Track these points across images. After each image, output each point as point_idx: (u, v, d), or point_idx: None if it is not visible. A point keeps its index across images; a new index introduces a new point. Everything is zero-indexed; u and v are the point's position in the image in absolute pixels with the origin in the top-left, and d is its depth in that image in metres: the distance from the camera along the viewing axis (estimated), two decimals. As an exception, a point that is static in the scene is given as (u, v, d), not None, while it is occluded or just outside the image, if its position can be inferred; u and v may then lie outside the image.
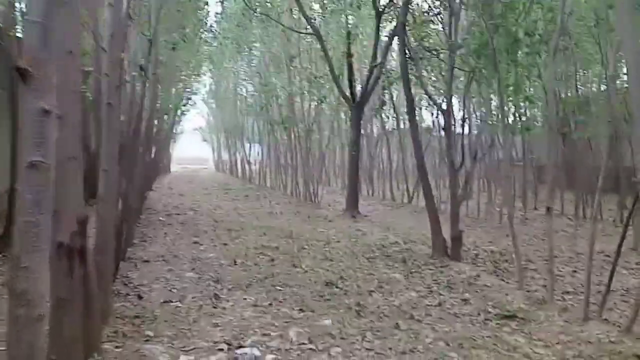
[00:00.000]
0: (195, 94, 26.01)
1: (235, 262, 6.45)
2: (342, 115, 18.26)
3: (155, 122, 11.77)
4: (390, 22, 12.05)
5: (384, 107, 13.81)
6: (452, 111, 6.47)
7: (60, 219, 2.87)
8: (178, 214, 11.38)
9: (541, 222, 10.79)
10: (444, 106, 6.36)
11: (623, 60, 11.73)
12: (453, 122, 6.91)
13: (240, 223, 10.02)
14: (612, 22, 9.56)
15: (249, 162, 25.54)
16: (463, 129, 6.81)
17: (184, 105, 23.24)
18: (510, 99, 6.87)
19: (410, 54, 6.68)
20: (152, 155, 14.96)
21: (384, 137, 17.43)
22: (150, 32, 6.42)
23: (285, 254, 7.03)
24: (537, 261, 7.08)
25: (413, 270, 6.22)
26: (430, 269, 6.25)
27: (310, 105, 14.89)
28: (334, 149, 21.03)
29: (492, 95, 8.86)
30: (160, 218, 10.59)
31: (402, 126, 16.37)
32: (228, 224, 9.99)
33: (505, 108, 6.51)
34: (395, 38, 11.91)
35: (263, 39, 16.84)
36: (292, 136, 16.01)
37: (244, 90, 23.78)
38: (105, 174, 4.57)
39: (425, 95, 11.20)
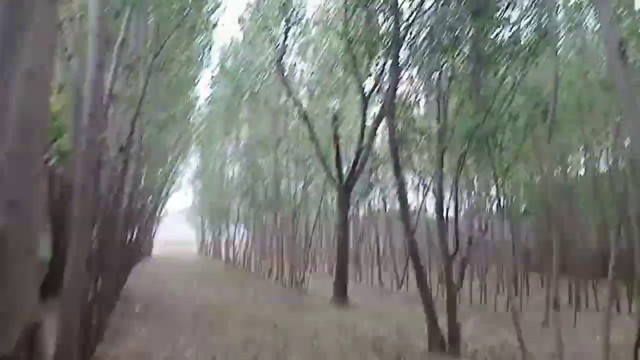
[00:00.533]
0: (181, 176, 26.06)
1: (214, 358, 5.84)
2: (329, 198, 18.11)
3: (138, 204, 11.41)
4: (376, 105, 12.24)
5: (372, 189, 13.67)
6: (443, 195, 6.26)
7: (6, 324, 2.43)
8: (156, 304, 10.68)
9: (537, 311, 10.31)
10: (434, 188, 6.14)
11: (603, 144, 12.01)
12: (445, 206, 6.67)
13: (222, 314, 9.37)
14: (594, 108, 9.80)
15: (233, 245, 24.93)
16: (456, 213, 6.55)
17: (169, 188, 23.08)
18: (500, 181, 6.71)
19: (399, 135, 6.57)
20: (133, 238, 14.43)
21: (370, 220, 17.17)
22: (136, 111, 6.26)
23: (270, 350, 6.43)
24: (537, 355, 6.55)
25: (410, 369, 5.67)
26: (429, 367, 5.71)
27: (296, 187, 14.72)
28: (320, 231, 20.64)
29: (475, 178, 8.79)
30: (136, 310, 9.89)
31: (388, 208, 16.24)
32: (209, 314, 9.33)
33: (496, 192, 6.32)
34: (382, 120, 12.08)
35: (251, 121, 17.04)
36: (278, 218, 15.69)
37: (230, 171, 23.77)
38: (74, 263, 4.17)
39: (414, 177, 11.14)
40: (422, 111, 9.23)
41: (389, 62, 7.32)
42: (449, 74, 6.30)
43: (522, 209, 10.28)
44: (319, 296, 12.64)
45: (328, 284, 15.07)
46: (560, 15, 7.39)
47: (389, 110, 6.51)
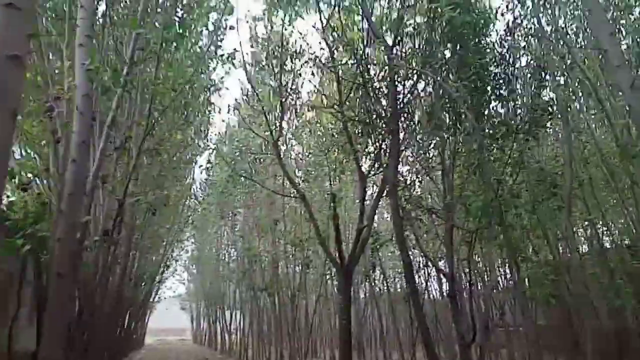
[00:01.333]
0: (176, 260, 25.40)
1: None
2: (329, 281, 17.49)
3: (128, 291, 10.85)
4: (373, 185, 12.06)
5: (374, 270, 13.14)
6: (455, 276, 5.85)
7: None
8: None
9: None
10: (446, 269, 5.74)
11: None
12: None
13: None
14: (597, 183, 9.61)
15: (229, 332, 23.78)
16: (471, 295, 6.09)
17: (162, 274, 22.39)
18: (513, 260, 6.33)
19: (403, 214, 6.28)
20: (122, 328, 13.65)
21: (372, 302, 16.42)
22: (123, 192, 5.98)
23: None
24: None
25: None
26: None
27: (295, 269, 14.19)
28: (320, 316, 19.75)
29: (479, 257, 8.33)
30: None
31: (391, 290, 15.59)
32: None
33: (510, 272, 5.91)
34: (381, 200, 11.84)
35: (247, 204, 16.80)
36: (277, 303, 14.98)
37: (226, 255, 23.22)
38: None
39: (420, 257, 10.70)
40: (425, 188, 8.98)
41: (388, 141, 7.22)
42: (451, 149, 6.15)
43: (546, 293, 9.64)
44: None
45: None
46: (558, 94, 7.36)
47: (391, 189, 6.27)
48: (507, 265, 7.45)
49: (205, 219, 22.95)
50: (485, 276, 10.84)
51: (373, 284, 15.81)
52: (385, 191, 10.64)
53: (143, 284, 15.71)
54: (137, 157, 5.78)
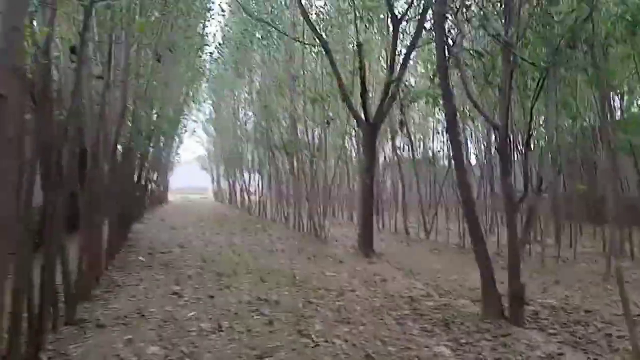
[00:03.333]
0: (195, 121, 24.85)
1: (220, 327, 4.78)
2: (349, 141, 16.82)
3: (139, 145, 10.26)
4: (403, 33, 10.62)
5: (403, 128, 12.26)
6: (508, 128, 4.88)
7: None
8: (163, 253, 9.75)
9: (585, 264, 9.12)
10: (497, 119, 4.79)
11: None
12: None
13: (234, 265, 8.36)
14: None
15: (248, 192, 24.02)
16: (526, 151, 5.19)
17: (179, 131, 21.92)
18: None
19: (450, 54, 5.17)
20: (141, 183, 13.44)
21: (395, 165, 15.84)
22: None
23: (288, 312, 5.36)
24: (616, 322, 5.37)
25: (463, 341, 4.53)
26: (488, 339, 4.55)
27: (315, 129, 13.40)
28: (339, 178, 19.46)
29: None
30: (141, 258, 8.95)
31: (416, 154, 14.91)
32: (219, 265, 8.34)
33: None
34: (415, 51, 10.53)
35: (265, 61, 15.55)
36: (295, 163, 14.50)
37: (243, 116, 22.50)
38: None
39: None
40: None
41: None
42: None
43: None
44: (341, 246, 11.59)
45: (349, 232, 14.06)
46: None
47: (438, 18, 5.07)
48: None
49: (221, 80, 21.90)
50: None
51: (399, 144, 15.06)
52: (421, 32, 9.31)
53: (161, 139, 15.19)
54: None
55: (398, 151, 14.92)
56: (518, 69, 4.84)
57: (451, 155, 5.23)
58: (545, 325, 5.12)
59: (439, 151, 14.50)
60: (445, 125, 11.84)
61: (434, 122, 15.72)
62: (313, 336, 4.51)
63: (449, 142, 12.86)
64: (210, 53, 17.14)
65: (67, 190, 4.76)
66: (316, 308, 5.64)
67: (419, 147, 16.36)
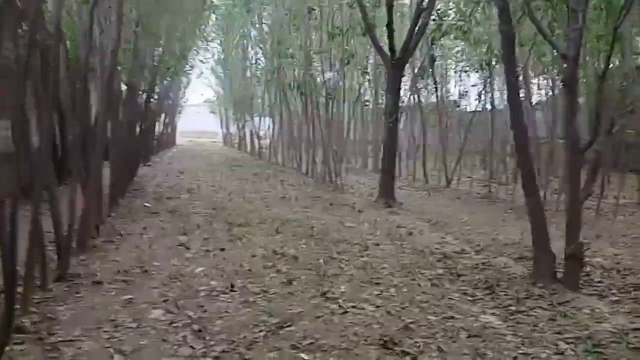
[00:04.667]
0: (202, 61, 23.69)
1: (232, 286, 4.19)
2: (366, 83, 15.85)
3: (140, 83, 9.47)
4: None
5: (434, 64, 11.23)
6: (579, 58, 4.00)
7: None
8: (170, 198, 9.16)
9: (622, 216, 8.43)
10: (567, 49, 3.92)
11: None
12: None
13: (246, 213, 7.75)
14: None
15: (258, 136, 23.23)
16: (601, 84, 4.32)
17: (185, 68, 20.89)
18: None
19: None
20: (146, 124, 12.72)
21: (414, 107, 14.90)
22: None
23: (308, 270, 4.76)
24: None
25: (513, 308, 3.92)
26: (542, 307, 3.91)
27: (331, 67, 12.41)
28: (355, 121, 18.60)
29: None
30: (146, 204, 8.37)
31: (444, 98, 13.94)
32: (230, 213, 7.74)
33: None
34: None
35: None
36: (309, 105, 13.63)
37: (253, 55, 21.36)
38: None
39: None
40: None
41: None
42: None
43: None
44: (357, 194, 10.96)
45: (365, 180, 13.43)
46: None
47: None
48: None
49: (230, 16, 20.61)
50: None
51: (426, 84, 14.00)
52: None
53: (166, 77, 14.28)
54: None
55: (419, 93, 13.93)
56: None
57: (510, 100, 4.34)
58: (601, 290, 4.49)
59: (464, 93, 13.50)
60: (480, 64, 10.96)
61: (454, 62, 14.69)
62: (340, 301, 3.90)
63: (482, 82, 12.03)
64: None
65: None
66: (339, 265, 5.03)
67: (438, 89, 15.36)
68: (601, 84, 4.20)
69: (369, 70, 13.42)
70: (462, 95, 13.37)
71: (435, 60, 10.95)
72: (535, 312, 3.83)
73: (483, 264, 5.21)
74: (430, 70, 12.00)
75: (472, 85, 12.94)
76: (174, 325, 3.35)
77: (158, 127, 20.17)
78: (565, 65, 3.97)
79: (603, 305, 3.98)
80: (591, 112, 4.21)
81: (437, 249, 5.87)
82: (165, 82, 14.59)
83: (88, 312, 3.51)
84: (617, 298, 4.25)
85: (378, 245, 6.00)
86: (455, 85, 14.59)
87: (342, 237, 6.31)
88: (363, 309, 3.76)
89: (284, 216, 7.61)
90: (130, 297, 3.84)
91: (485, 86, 11.88)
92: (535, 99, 12.76)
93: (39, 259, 3.77)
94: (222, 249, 5.49)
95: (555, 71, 11.24)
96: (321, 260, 5.13)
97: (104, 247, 5.31)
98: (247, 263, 4.92)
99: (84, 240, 5.04)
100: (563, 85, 4.10)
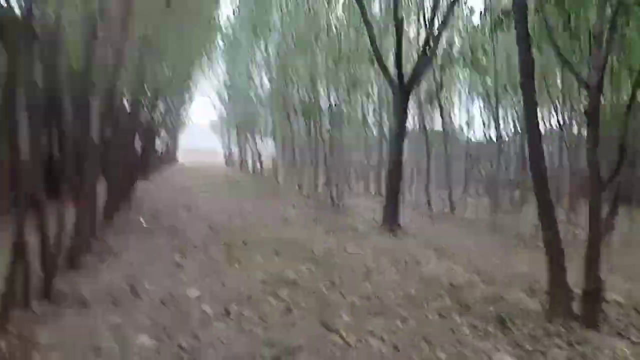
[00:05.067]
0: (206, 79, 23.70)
1: (228, 311, 3.92)
2: (370, 106, 15.75)
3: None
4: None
5: (441, 91, 11.12)
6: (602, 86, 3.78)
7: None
8: (168, 216, 8.91)
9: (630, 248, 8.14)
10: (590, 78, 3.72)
11: None
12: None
13: (245, 234, 7.49)
14: None
15: (260, 158, 23.08)
16: (628, 114, 4.04)
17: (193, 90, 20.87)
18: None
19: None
20: (147, 139, 12.57)
21: (418, 134, 14.74)
22: None
23: (309, 296, 4.49)
24: None
25: (528, 347, 3.63)
26: (560, 346, 3.64)
27: (337, 91, 12.29)
28: (359, 144, 18.43)
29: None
30: (141, 220, 8.13)
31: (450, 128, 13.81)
32: (228, 233, 7.48)
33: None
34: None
35: (283, 18, 14.30)
36: (313, 128, 13.48)
37: (257, 77, 21.31)
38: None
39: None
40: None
41: None
42: None
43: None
44: (360, 218, 10.69)
45: (367, 204, 13.17)
46: None
47: None
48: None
49: (236, 39, 20.71)
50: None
51: (432, 110, 13.87)
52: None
53: (169, 95, 14.17)
54: None
55: (424, 119, 13.78)
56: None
57: (523, 118, 4.14)
58: (621, 329, 4.20)
59: (469, 122, 13.38)
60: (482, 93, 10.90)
61: (458, 91, 14.62)
62: (342, 332, 3.63)
63: (490, 110, 11.90)
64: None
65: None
66: (341, 291, 4.76)
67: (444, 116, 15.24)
68: (627, 116, 3.99)
69: (374, 95, 13.28)
70: (467, 124, 13.22)
71: (442, 87, 10.81)
72: (552, 351, 3.55)
73: (494, 296, 4.93)
74: (437, 97, 11.88)
75: (477, 114, 12.86)
76: (162, 354, 3.08)
77: (159, 143, 20.02)
78: (588, 95, 3.78)
79: (625, 346, 3.70)
80: (621, 145, 3.93)
81: (445, 277, 5.59)
82: (168, 99, 14.49)
83: (70, 335, 3.24)
84: (638, 340, 3.97)
85: (382, 273, 5.72)
86: (460, 112, 14.49)
87: (344, 262, 6.05)
88: (368, 342, 3.49)
89: (284, 238, 7.34)
90: (118, 321, 3.56)
91: (491, 115, 11.74)
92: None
93: (21, 274, 3.53)
94: (219, 272, 5.22)
95: (563, 101, 11.13)
96: (322, 287, 4.87)
97: (94, 265, 5.04)
98: (245, 287, 4.65)
99: (74, 256, 4.78)
100: (586, 115, 3.88)
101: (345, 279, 5.23)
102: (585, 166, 4.05)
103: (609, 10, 3.84)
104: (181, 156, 37.60)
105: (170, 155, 28.88)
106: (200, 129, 49.01)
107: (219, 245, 6.55)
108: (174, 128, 26.17)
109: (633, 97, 4.02)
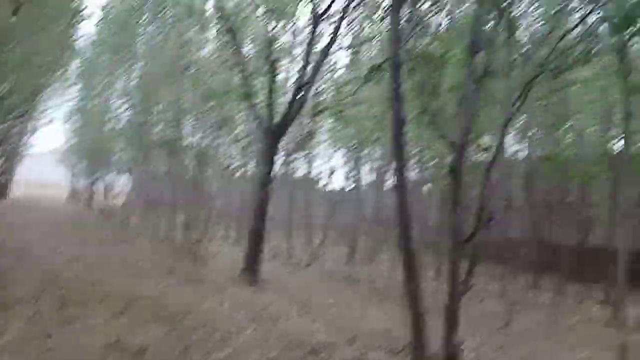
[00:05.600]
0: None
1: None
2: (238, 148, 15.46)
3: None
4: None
5: (311, 140, 11.25)
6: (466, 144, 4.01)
7: None
8: (-10, 263, 7.50)
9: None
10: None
11: None
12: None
13: (85, 286, 6.54)
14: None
15: (112, 194, 21.25)
16: (488, 172, 4.27)
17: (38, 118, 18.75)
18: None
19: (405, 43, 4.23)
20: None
21: (286, 183, 14.80)
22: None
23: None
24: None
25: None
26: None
27: (203, 129, 11.84)
28: (225, 189, 17.93)
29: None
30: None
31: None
32: (65, 285, 6.47)
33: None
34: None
35: (152, 44, 13.64)
36: (176, 166, 12.74)
37: (118, 108, 19.87)
38: None
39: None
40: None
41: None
42: None
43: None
44: (220, 267, 10.14)
45: (227, 251, 12.68)
46: None
47: (395, 5, 4.14)
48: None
49: (95, 64, 19.28)
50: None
51: (297, 158, 13.98)
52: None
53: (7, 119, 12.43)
54: None
55: (289, 165, 13.88)
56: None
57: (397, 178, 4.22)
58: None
59: (333, 171, 13.82)
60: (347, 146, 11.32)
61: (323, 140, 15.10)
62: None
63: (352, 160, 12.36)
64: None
65: None
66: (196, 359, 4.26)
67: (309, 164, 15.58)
68: (488, 172, 4.26)
69: (241, 137, 13.08)
70: (331, 173, 13.63)
71: (313, 135, 11.01)
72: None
73: (355, 358, 4.83)
74: (304, 144, 12.08)
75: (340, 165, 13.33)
76: None
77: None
78: (452, 152, 3.98)
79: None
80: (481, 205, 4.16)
81: (305, 337, 5.37)
82: (5, 124, 12.70)
83: None
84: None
85: (240, 332, 5.32)
86: (323, 162, 14.89)
87: (201, 321, 5.52)
88: None
89: (133, 292, 6.54)
90: None
91: (353, 165, 12.24)
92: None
93: None
94: (49, 335, 4.38)
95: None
96: (175, 351, 4.33)
97: None
98: (81, 356, 3.93)
99: None
100: (450, 172, 4.08)
101: (201, 342, 4.74)
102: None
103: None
104: (19, 189, 33.21)
105: (2, 188, 25.28)
106: (42, 157, 44.03)
107: (51, 301, 5.59)
108: (11, 157, 23.09)
109: (496, 154, 4.32)
